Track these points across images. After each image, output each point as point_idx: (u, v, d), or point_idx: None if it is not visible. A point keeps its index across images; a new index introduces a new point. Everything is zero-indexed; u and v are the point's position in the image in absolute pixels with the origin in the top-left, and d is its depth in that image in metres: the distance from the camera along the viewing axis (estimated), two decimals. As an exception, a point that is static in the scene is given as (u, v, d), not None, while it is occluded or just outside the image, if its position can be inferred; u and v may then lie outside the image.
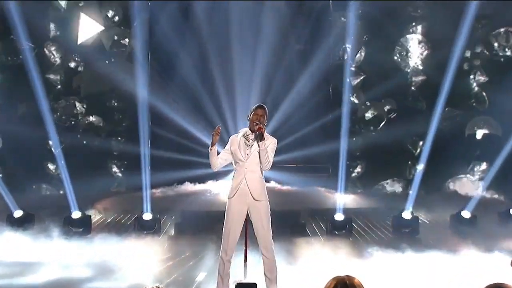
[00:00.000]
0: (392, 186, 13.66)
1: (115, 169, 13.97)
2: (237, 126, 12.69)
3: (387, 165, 13.72)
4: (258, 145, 5.74)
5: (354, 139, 13.77)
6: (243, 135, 5.91)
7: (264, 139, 5.76)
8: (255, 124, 5.84)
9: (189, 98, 13.54)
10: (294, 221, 10.77)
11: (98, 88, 13.45)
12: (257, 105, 5.97)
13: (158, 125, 13.40)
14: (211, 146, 5.85)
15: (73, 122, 13.60)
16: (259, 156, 5.78)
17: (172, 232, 10.47)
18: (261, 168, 5.89)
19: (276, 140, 5.99)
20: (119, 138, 13.92)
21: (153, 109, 13.15)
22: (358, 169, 14.04)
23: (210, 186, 13.23)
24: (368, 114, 13.93)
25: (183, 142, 13.31)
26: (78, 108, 13.58)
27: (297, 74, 13.67)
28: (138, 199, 10.99)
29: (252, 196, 5.82)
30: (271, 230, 5.90)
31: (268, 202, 5.93)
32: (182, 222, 10.79)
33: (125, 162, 13.80)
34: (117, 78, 13.08)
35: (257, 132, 5.72)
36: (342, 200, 11.43)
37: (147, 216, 10.15)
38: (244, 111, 13.25)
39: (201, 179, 13.30)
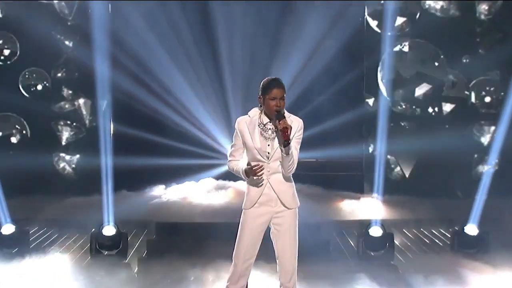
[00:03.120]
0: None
1: (64, 165, 14.03)
2: (237, 111, 13.06)
3: (443, 160, 13.79)
4: (282, 150, 5.71)
5: (399, 123, 13.89)
6: (259, 125, 5.83)
7: (290, 141, 5.68)
8: (275, 113, 5.72)
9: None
10: (313, 238, 10.52)
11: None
12: (270, 80, 5.81)
13: (122, 107, 13.84)
14: (246, 176, 5.85)
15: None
16: (282, 162, 5.77)
17: (143, 253, 10.52)
18: None
19: (302, 123, 5.90)
20: (68, 122, 14.09)
21: (117, 86, 13.77)
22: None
23: (191, 189, 13.44)
24: (418, 89, 14.14)
25: (158, 130, 13.81)
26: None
27: (317, 36, 13.89)
28: (96, 207, 11.10)
29: (282, 203, 5.84)
30: (297, 251, 5.93)
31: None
32: (157, 239, 10.87)
33: (78, 157, 14.09)
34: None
35: (284, 140, 5.64)
36: (380, 208, 11.64)
37: (109, 230, 10.17)
38: (245, 87, 13.45)
39: (181, 180, 13.68)
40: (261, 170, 5.71)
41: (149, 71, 13.91)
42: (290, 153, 5.69)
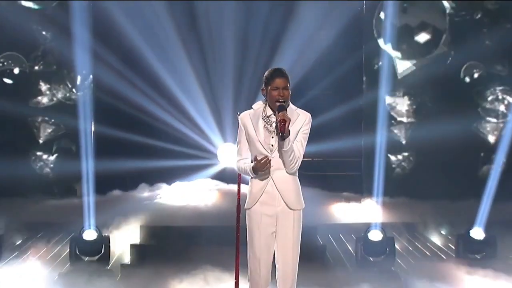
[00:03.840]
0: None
1: (40, 164, 14.07)
2: (227, 107, 13.04)
3: (446, 159, 13.82)
4: (279, 145, 5.73)
5: (398, 120, 13.90)
6: (263, 117, 5.86)
7: (289, 135, 5.68)
8: (278, 104, 5.75)
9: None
10: (308, 242, 10.29)
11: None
12: (272, 70, 5.87)
13: (105, 105, 13.80)
14: (254, 174, 5.84)
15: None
16: (282, 157, 5.78)
17: (127, 259, 10.52)
18: None
19: (309, 117, 5.91)
20: (46, 119, 14.12)
21: (99, 82, 13.79)
22: (404, 164, 14.12)
23: (179, 191, 13.35)
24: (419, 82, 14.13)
25: (142, 129, 13.82)
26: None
27: (312, 26, 13.89)
28: (76, 208, 11.15)
29: (285, 202, 5.81)
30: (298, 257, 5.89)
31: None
32: (142, 244, 10.86)
33: (57, 154, 14.05)
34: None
35: (280, 132, 5.65)
36: (380, 211, 11.62)
37: (90, 234, 10.18)
38: (236, 81, 13.64)
39: (167, 182, 13.65)
40: (268, 162, 5.68)
41: (134, 67, 13.85)
42: (288, 148, 5.67)
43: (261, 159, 5.66)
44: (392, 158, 14.00)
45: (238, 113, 5.93)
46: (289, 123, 5.63)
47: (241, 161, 5.86)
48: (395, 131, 13.99)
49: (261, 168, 5.68)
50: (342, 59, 13.89)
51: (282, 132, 5.60)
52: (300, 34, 13.71)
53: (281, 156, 5.73)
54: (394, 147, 13.91)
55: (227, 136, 13.69)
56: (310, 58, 13.71)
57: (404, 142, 14.10)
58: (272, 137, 5.78)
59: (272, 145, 5.77)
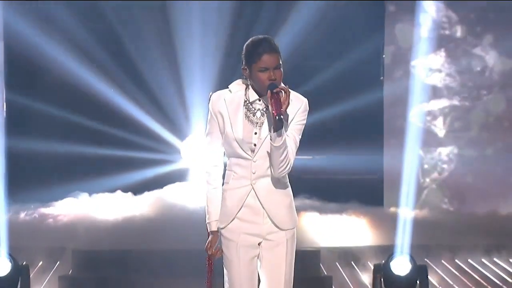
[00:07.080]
0: None
1: None
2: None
3: (497, 158, 14.18)
4: (271, 137, 5.65)
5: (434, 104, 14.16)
6: (245, 105, 5.81)
7: (287, 119, 5.65)
8: (268, 85, 5.64)
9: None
10: (309, 271, 10.84)
11: None
12: (256, 41, 5.69)
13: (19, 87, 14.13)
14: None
15: None
16: (271, 155, 5.71)
17: None
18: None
19: (306, 103, 5.81)
20: None
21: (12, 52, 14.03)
22: (441, 164, 14.32)
23: (124, 203, 13.61)
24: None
25: (69, 116, 14.23)
26: None
27: None
28: None
29: (272, 221, 5.84)
30: None
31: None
32: (74, 275, 11.01)
33: None
34: None
35: (276, 115, 5.55)
36: (408, 228, 11.44)
37: (2, 265, 10.15)
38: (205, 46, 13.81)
39: (112, 187, 13.98)
40: (217, 253, 5.84)
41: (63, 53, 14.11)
42: (281, 142, 5.61)
43: (216, 250, 5.78)
44: (425, 155, 14.03)
45: (211, 93, 5.82)
46: (287, 100, 5.54)
47: (212, 176, 5.83)
48: (429, 118, 14.03)
49: (209, 251, 5.85)
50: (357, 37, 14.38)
51: (279, 113, 5.47)
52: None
53: (270, 156, 5.66)
54: (427, 140, 14.09)
55: (195, 125, 13.89)
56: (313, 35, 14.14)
57: (441, 135, 14.27)
58: (255, 133, 5.70)
59: (255, 145, 5.72)
